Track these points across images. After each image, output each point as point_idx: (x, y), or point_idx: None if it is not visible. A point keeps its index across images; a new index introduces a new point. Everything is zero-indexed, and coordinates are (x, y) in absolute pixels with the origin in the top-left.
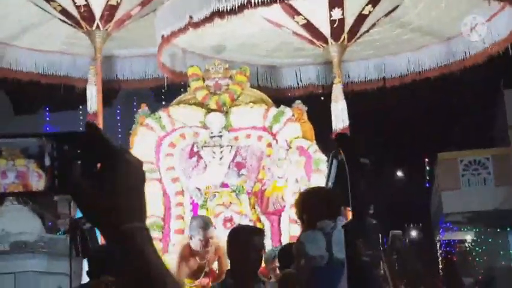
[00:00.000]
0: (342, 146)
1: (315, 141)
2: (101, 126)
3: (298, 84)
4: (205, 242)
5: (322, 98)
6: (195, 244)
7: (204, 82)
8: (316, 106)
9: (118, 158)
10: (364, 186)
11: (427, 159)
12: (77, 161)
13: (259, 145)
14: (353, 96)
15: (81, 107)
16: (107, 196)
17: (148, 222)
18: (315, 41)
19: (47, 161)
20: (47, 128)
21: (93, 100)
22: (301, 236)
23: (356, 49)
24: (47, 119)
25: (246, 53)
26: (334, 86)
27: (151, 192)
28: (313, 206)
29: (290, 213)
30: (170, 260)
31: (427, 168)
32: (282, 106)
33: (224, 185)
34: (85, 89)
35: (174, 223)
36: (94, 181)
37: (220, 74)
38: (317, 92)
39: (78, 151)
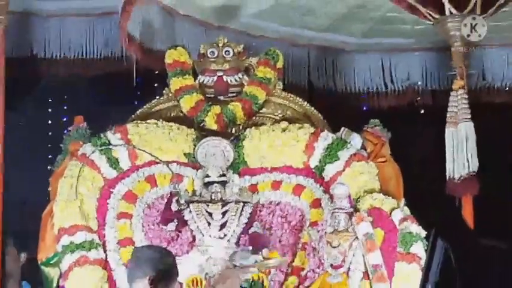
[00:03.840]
0: (443, 223)
1: (404, 200)
2: None
3: (384, 85)
4: None
5: (422, 112)
6: None
7: (195, 78)
8: (412, 130)
9: None
10: None
11: None
12: None
13: (297, 203)
14: (490, 115)
15: None
16: None
17: None
18: (419, 7)
19: None
20: None
21: None
22: None
23: (495, 29)
24: None
25: (284, 23)
26: (452, 93)
27: None
28: None
29: None
30: None
31: None
32: (343, 129)
33: None
34: None
35: None
36: None
37: (226, 63)
38: (418, 102)
39: None
